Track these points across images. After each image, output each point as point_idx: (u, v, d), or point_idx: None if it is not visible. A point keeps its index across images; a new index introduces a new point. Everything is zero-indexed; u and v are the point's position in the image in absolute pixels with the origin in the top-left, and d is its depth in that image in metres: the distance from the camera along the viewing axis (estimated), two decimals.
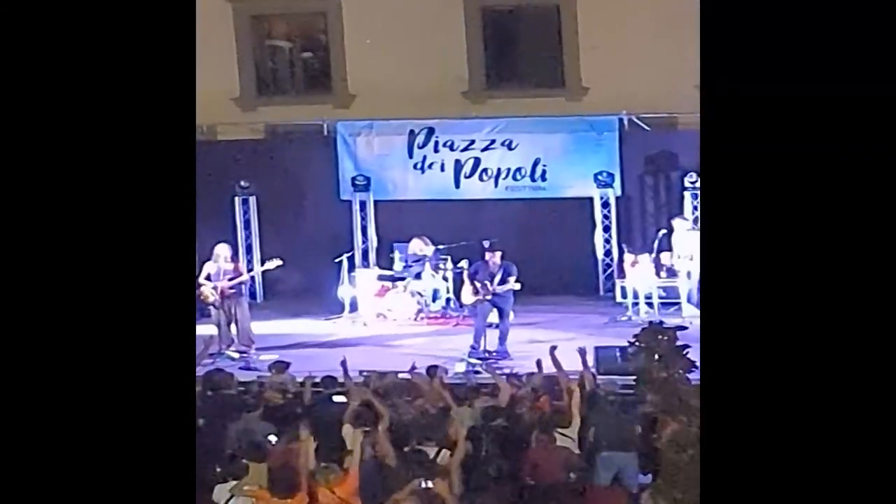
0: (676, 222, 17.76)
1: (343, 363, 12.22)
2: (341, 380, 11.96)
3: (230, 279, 15.78)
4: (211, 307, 15.89)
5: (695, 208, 18.04)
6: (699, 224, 16.35)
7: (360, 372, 12.58)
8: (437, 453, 9.65)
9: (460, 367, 14.38)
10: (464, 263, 17.19)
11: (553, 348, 11.77)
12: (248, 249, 19.41)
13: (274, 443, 10.06)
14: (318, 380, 12.20)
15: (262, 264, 17.48)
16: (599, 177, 18.57)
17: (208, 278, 15.85)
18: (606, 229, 18.92)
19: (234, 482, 9.06)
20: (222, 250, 16.03)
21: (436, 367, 12.22)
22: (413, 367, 12.30)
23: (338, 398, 11.20)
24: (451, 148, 19.39)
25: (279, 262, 16.46)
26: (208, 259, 16.02)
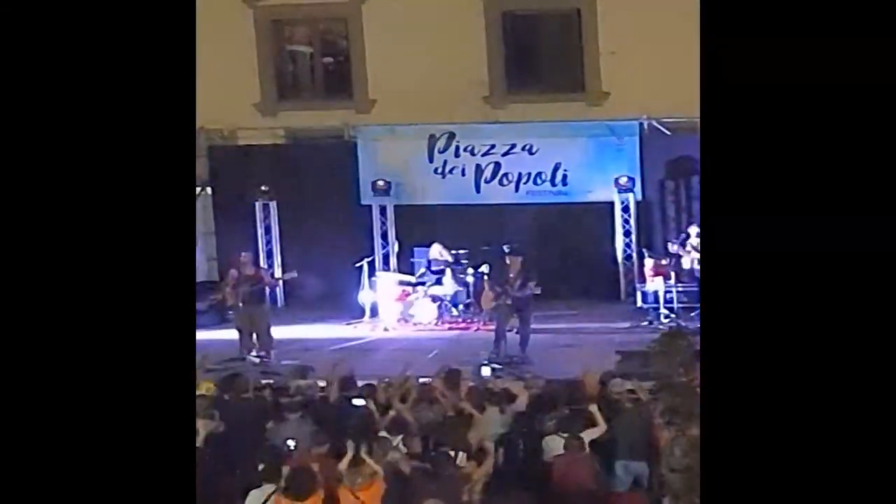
0: (694, 229, 17.62)
1: (352, 369, 12.25)
2: (360, 383, 11.96)
3: (251, 285, 15.80)
4: (231, 312, 15.94)
5: None
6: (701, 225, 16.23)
7: (382, 377, 12.57)
8: (458, 458, 9.63)
9: (485, 371, 14.35)
10: (484, 268, 17.17)
11: (579, 358, 11.63)
12: (269, 254, 19.44)
13: (293, 447, 10.07)
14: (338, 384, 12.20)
15: (283, 270, 17.49)
16: (620, 181, 18.57)
17: (229, 284, 15.88)
18: (627, 234, 18.90)
19: (268, 485, 9.02)
20: (242, 256, 16.07)
21: (457, 372, 12.19)
22: (435, 373, 12.29)
23: (357, 401, 11.21)
24: (472, 153, 19.39)
25: (294, 275, 16.63)
26: (228, 264, 16.07)
